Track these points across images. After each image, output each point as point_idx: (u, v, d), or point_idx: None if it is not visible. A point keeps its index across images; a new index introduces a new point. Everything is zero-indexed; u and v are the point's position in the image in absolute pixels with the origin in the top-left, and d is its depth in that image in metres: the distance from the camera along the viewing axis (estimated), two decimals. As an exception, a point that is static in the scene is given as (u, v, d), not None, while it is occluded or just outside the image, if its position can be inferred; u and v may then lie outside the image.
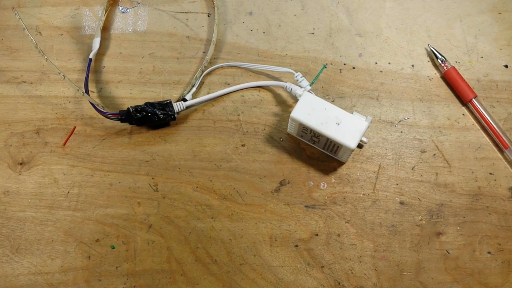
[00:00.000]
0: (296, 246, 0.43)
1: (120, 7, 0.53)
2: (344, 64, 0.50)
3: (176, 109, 0.46)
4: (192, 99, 0.47)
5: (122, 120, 0.45)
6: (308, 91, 0.45)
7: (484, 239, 0.43)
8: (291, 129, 0.45)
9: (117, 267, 0.42)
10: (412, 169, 0.45)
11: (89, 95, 0.46)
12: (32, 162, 0.46)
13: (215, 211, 0.44)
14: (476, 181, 0.45)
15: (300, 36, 0.51)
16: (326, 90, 0.48)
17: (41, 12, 0.52)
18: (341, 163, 0.45)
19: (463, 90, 0.47)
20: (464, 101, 0.47)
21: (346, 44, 0.50)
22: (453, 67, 0.48)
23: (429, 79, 0.49)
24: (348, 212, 0.44)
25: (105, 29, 0.52)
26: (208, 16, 0.52)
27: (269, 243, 0.43)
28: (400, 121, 0.47)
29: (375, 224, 0.43)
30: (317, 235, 0.43)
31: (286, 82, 0.47)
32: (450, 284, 0.41)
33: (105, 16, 0.52)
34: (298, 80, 0.46)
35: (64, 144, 0.46)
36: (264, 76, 0.49)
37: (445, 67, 0.48)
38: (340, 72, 0.49)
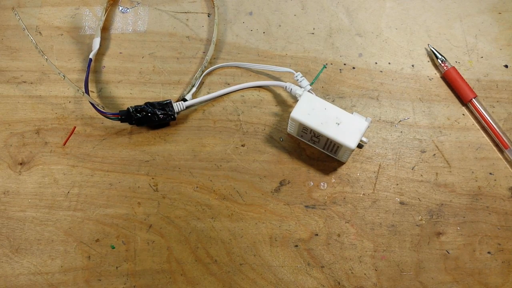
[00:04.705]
0: (296, 246, 0.43)
1: (120, 7, 0.53)
2: (344, 64, 0.50)
3: (176, 109, 0.46)
4: (192, 99, 0.47)
5: (122, 120, 0.45)
6: (308, 91, 0.45)
7: (484, 239, 0.43)
8: (291, 129, 0.45)
9: (117, 267, 0.42)
10: (412, 169, 0.45)
11: (89, 95, 0.46)
12: (32, 162, 0.46)
13: (215, 211, 0.44)
14: (476, 181, 0.45)
15: (300, 36, 0.51)
16: (326, 90, 0.48)
17: (41, 12, 0.52)
18: (341, 163, 0.45)
19: (463, 90, 0.47)
20: (464, 101, 0.47)
21: (346, 44, 0.50)
22: (453, 67, 0.48)
23: (429, 79, 0.49)
24: (348, 212, 0.44)
25: (105, 29, 0.52)
26: (208, 16, 0.52)
27: (269, 243, 0.43)
28: (400, 121, 0.47)
29: (375, 224, 0.43)
30: (317, 235, 0.43)
31: (286, 82, 0.47)
32: (450, 284, 0.41)
33: (105, 16, 0.52)
34: (298, 80, 0.46)
35: (64, 144, 0.46)
36: (264, 76, 0.49)
37: (445, 67, 0.48)
38: (340, 72, 0.49)
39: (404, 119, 0.47)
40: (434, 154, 0.46)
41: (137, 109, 0.45)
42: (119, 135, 0.47)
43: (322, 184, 0.45)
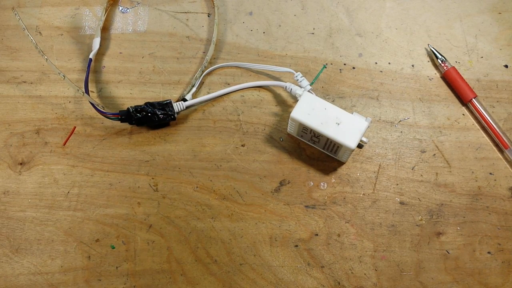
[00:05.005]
0: (296, 246, 0.43)
1: (120, 7, 0.53)
2: (344, 64, 0.50)
3: (176, 109, 0.46)
4: (192, 99, 0.47)
5: (122, 120, 0.45)
6: (308, 91, 0.45)
7: (484, 239, 0.43)
8: (291, 129, 0.45)
9: (117, 267, 0.42)
10: (412, 169, 0.45)
11: (89, 95, 0.46)
12: (32, 162, 0.46)
13: (215, 211, 0.44)
14: (476, 181, 0.45)
15: (300, 36, 0.51)
16: (326, 90, 0.48)
17: (41, 12, 0.52)
18: (341, 163, 0.45)
19: (463, 90, 0.47)
20: (464, 101, 0.47)
21: (346, 44, 0.50)
22: (453, 67, 0.48)
23: (429, 79, 0.49)
24: (348, 212, 0.44)
25: (105, 29, 0.52)
26: (208, 16, 0.52)
27: (269, 243, 0.43)
28: (400, 121, 0.47)
29: (375, 224, 0.43)
30: (317, 235, 0.43)
31: (286, 82, 0.47)
32: (450, 284, 0.41)
33: (105, 16, 0.52)
34: (298, 80, 0.46)
35: (64, 144, 0.46)
36: (264, 76, 0.49)
37: (445, 67, 0.48)
38: (340, 72, 0.49)
39: (404, 119, 0.47)
40: (434, 154, 0.46)
41: (137, 109, 0.45)
42: (119, 135, 0.47)
43: (322, 184, 0.45)
